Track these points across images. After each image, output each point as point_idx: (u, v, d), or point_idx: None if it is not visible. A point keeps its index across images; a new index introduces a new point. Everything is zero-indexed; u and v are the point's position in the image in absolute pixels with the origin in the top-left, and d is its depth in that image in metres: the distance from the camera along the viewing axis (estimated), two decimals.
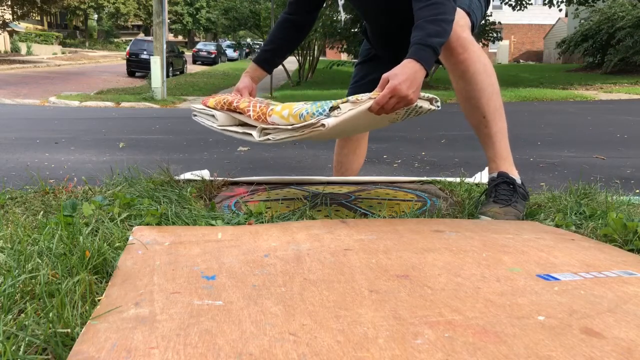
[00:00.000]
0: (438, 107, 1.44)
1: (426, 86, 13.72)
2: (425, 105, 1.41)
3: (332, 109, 1.28)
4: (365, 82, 1.92)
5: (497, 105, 1.52)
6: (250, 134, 1.46)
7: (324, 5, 1.80)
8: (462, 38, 1.47)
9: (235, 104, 1.54)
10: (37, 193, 1.68)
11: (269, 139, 1.41)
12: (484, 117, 1.51)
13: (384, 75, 1.32)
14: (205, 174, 2.03)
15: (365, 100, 1.29)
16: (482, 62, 1.50)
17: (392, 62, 1.90)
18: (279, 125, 1.39)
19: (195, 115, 1.72)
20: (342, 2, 1.70)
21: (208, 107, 1.65)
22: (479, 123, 1.53)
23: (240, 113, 1.53)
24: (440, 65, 1.61)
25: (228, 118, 1.59)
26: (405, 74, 1.29)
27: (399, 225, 1.27)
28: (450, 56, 1.49)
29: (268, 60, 1.79)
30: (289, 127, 1.35)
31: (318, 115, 1.28)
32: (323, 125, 1.27)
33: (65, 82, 15.52)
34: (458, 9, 1.50)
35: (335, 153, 2.12)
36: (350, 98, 1.31)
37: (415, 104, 1.36)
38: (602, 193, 1.70)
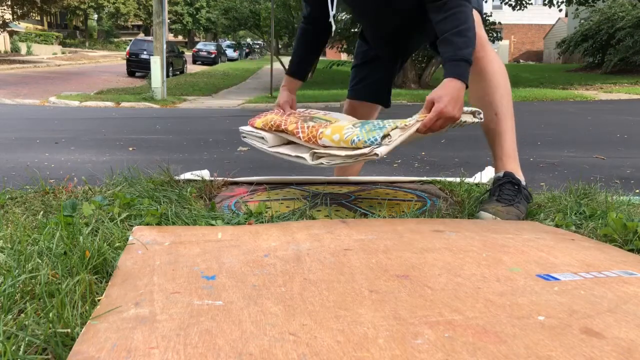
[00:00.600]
0: (481, 119, 1.46)
1: (425, 86, 13.73)
2: (469, 119, 1.44)
3: (384, 137, 1.32)
4: (367, 83, 1.93)
5: (508, 105, 1.55)
6: (303, 158, 1.49)
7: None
8: (480, 36, 1.49)
9: (283, 127, 1.57)
10: (37, 193, 1.68)
11: (322, 164, 1.44)
12: (496, 114, 1.53)
13: (429, 98, 1.37)
14: (205, 174, 2.03)
15: (413, 124, 1.34)
16: (498, 61, 1.54)
17: (392, 61, 1.91)
18: (329, 149, 1.42)
19: (245, 137, 1.78)
20: (334, 13, 1.71)
21: (256, 128, 1.69)
22: (490, 120, 1.54)
23: (290, 134, 1.55)
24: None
25: (277, 138, 1.64)
26: (449, 95, 1.34)
27: (399, 225, 1.27)
28: None
29: (300, 71, 1.86)
30: (342, 153, 1.39)
31: (370, 144, 1.32)
32: (376, 154, 1.31)
33: (65, 82, 15.52)
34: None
35: None
36: (399, 124, 1.34)
37: (461, 119, 1.40)
38: (602, 193, 1.70)
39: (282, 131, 1.58)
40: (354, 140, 1.35)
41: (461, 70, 1.38)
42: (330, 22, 1.75)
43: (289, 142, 1.62)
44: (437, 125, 1.34)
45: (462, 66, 1.38)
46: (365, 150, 1.32)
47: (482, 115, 1.45)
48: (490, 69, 1.51)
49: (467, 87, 1.40)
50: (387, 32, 1.77)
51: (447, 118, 1.33)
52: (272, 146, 1.63)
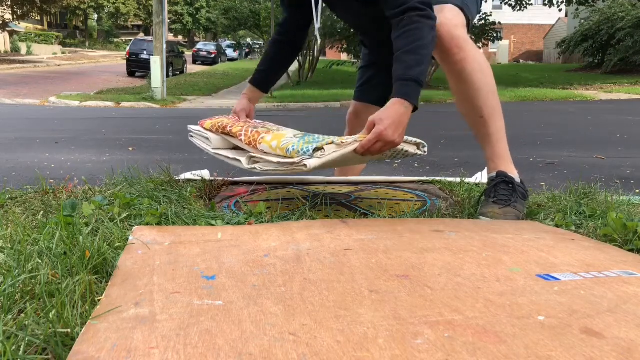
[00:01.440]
0: (424, 152, 1.45)
1: (426, 86, 13.72)
2: (412, 150, 1.43)
3: (317, 149, 1.29)
4: (372, 84, 1.94)
5: (494, 105, 1.51)
6: (239, 160, 1.49)
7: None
8: (457, 37, 1.44)
9: (228, 128, 1.57)
10: (37, 193, 1.68)
11: (255, 168, 1.44)
12: (481, 117, 1.50)
13: (370, 119, 1.32)
14: (205, 174, 2.03)
15: (350, 143, 1.30)
16: (478, 61, 1.48)
17: (387, 65, 1.92)
18: (266, 155, 1.42)
19: (192, 137, 1.77)
20: (319, 26, 1.71)
21: (205, 128, 1.69)
22: (476, 123, 1.52)
23: (233, 137, 1.56)
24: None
25: (222, 141, 1.63)
26: (391, 118, 1.28)
27: (399, 225, 1.27)
28: (447, 57, 1.47)
29: (263, 81, 1.82)
30: (275, 159, 1.38)
31: (302, 154, 1.30)
32: (305, 165, 1.28)
33: (65, 82, 15.52)
34: (450, 7, 1.48)
35: None
36: (336, 140, 1.32)
37: (402, 148, 1.37)
38: (602, 193, 1.70)
39: (227, 133, 1.58)
40: (288, 149, 1.34)
41: (408, 90, 1.31)
42: (315, 35, 1.73)
43: (234, 148, 1.61)
44: (376, 148, 1.29)
45: (409, 86, 1.32)
46: (296, 160, 1.30)
47: (426, 149, 1.44)
48: (469, 70, 1.46)
49: (415, 109, 1.34)
50: (380, 40, 1.77)
51: (386, 142, 1.28)
52: (215, 148, 1.62)
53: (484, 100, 1.49)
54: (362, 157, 1.36)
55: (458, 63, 1.46)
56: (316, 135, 1.42)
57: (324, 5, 1.63)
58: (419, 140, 1.43)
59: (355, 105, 1.99)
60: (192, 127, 1.76)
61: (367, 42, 1.93)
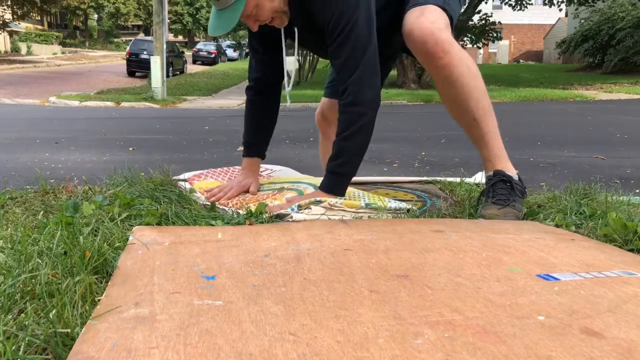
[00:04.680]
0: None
1: (426, 86, 13.73)
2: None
3: (300, 207, 1.42)
4: None
5: (485, 106, 1.49)
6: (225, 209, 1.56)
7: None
8: (441, 41, 1.41)
9: (214, 199, 1.62)
10: (37, 193, 1.68)
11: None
12: (474, 119, 1.49)
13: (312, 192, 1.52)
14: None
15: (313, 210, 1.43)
16: (465, 64, 1.45)
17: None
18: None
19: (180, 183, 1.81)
20: (290, 86, 1.69)
21: (192, 187, 1.74)
22: (469, 125, 1.51)
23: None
24: None
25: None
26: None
27: (398, 225, 1.27)
28: (432, 61, 1.44)
29: (259, 149, 1.78)
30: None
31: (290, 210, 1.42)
32: (291, 217, 1.39)
33: (65, 82, 15.52)
34: (432, 8, 1.45)
35: (320, 152, 2.12)
36: (327, 202, 1.43)
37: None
38: (602, 193, 1.70)
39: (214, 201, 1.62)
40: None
41: (332, 185, 1.49)
42: (284, 88, 1.70)
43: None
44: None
45: (335, 180, 1.49)
46: (285, 211, 1.41)
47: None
48: (457, 73, 1.44)
49: (342, 194, 1.49)
50: None
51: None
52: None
53: (476, 102, 1.47)
54: None
55: (445, 67, 1.43)
56: (297, 196, 1.54)
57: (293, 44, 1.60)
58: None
59: (324, 102, 1.97)
60: (180, 182, 1.81)
61: None
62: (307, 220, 1.35)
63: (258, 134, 1.77)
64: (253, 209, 1.43)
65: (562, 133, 5.76)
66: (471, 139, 1.55)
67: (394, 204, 1.51)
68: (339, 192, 1.49)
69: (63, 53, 32.75)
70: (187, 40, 49.38)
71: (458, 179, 1.97)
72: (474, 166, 2.41)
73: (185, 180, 1.85)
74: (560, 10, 20.72)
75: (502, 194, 1.46)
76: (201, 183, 1.81)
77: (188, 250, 1.04)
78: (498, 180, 1.48)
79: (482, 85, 1.49)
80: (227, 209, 1.53)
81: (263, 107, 1.76)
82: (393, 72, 13.86)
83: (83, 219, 1.27)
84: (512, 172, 1.51)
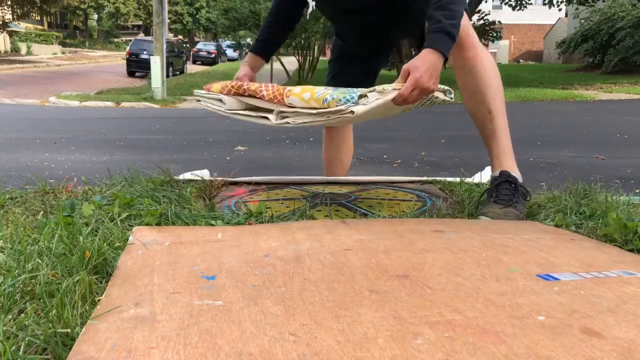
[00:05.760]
0: (452, 98, 1.46)
1: None
2: (441, 96, 1.42)
3: (361, 97, 1.29)
4: (343, 79, 1.90)
5: (501, 103, 1.55)
6: (266, 117, 1.41)
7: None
8: (471, 35, 1.51)
9: (245, 86, 1.49)
10: (37, 193, 1.68)
11: (288, 123, 1.38)
12: (489, 112, 1.53)
13: (405, 67, 1.33)
14: (205, 174, 2.03)
15: (390, 91, 1.30)
16: (489, 59, 1.55)
17: (370, 57, 1.92)
18: (298, 108, 1.36)
19: (199, 100, 1.67)
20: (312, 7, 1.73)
21: (213, 92, 1.60)
22: (484, 118, 1.54)
23: (250, 96, 1.48)
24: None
25: (236, 102, 1.54)
26: (425, 65, 1.31)
27: (399, 225, 1.27)
28: (460, 51, 1.51)
29: (264, 49, 1.84)
30: (313, 111, 1.33)
31: (345, 102, 1.28)
32: (352, 112, 1.26)
33: (65, 82, 15.51)
34: None
35: (323, 151, 2.13)
36: (377, 87, 1.31)
37: (434, 94, 1.38)
38: (602, 193, 1.70)
39: (243, 93, 1.50)
40: (326, 99, 1.31)
41: (441, 42, 1.34)
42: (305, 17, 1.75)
43: (250, 108, 1.53)
44: (413, 96, 1.30)
45: (442, 38, 1.35)
46: (341, 107, 1.27)
47: (452, 95, 1.45)
48: (481, 66, 1.52)
49: (446, 59, 1.37)
50: (365, 31, 1.78)
51: (422, 89, 1.30)
52: (230, 109, 1.53)
53: (494, 96, 1.53)
54: (394, 108, 1.38)
55: (471, 59, 1.52)
56: (347, 88, 1.38)
57: None
58: (446, 87, 1.43)
59: None
60: (198, 92, 1.67)
61: (347, 36, 1.93)
62: (307, 221, 1.35)
63: (269, 36, 1.86)
64: (297, 92, 1.33)
65: (562, 133, 5.76)
66: (482, 135, 1.58)
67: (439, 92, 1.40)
68: (446, 50, 1.35)
69: (63, 53, 32.73)
70: (187, 40, 49.40)
71: (458, 179, 1.97)
72: (474, 166, 2.41)
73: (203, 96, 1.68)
74: (560, 10, 20.73)
75: (505, 194, 1.47)
76: (220, 84, 1.63)
77: (188, 250, 1.04)
78: (503, 180, 1.49)
79: (500, 83, 1.56)
80: (262, 102, 1.42)
81: (280, 18, 1.85)
82: (393, 73, 13.85)
83: (83, 219, 1.27)
84: (518, 174, 1.52)
